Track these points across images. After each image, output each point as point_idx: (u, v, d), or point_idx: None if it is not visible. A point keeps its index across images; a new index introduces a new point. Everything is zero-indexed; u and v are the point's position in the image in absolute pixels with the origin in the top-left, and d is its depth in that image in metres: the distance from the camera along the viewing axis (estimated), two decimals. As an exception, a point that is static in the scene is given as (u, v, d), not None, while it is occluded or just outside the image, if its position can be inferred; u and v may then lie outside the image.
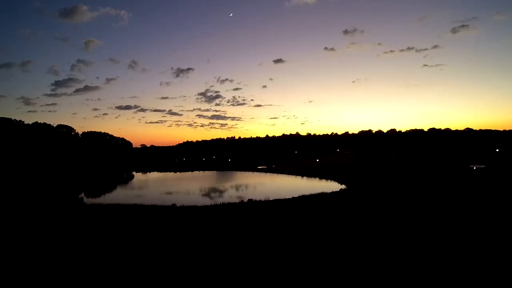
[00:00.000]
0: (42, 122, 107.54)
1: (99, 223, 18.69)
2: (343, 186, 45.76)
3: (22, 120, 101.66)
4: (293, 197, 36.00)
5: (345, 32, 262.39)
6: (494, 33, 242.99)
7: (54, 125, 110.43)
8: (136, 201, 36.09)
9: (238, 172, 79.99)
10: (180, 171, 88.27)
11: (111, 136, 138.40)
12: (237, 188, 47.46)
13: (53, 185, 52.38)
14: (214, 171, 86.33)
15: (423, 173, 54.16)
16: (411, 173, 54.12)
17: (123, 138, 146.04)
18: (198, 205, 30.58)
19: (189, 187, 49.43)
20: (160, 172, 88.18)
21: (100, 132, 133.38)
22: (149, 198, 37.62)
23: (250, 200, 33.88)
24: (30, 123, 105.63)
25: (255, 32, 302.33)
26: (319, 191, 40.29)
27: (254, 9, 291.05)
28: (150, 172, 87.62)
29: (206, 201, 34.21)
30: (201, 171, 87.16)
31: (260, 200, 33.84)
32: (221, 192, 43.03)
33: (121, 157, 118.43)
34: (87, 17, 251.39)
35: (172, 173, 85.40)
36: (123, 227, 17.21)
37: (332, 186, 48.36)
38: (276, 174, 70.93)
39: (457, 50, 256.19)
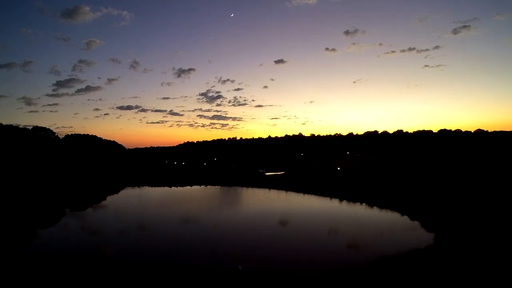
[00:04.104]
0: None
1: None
2: (428, 232, 29.54)
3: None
4: (368, 264, 20.85)
5: (346, 32, 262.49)
6: (494, 33, 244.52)
7: (30, 127, 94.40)
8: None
9: (249, 190, 63.59)
10: (177, 185, 72.20)
11: (100, 139, 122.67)
12: (255, 233, 31.38)
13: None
14: (218, 187, 69.81)
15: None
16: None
17: (114, 141, 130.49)
18: None
19: (181, 228, 33.47)
20: (153, 186, 72.13)
21: (87, 134, 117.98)
22: (110, 257, 21.56)
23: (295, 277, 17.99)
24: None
25: (256, 32, 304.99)
26: (390, 237, 28.07)
27: (255, 10, 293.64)
28: (140, 187, 71.63)
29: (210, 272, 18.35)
30: (202, 186, 70.75)
31: (312, 274, 18.38)
32: (232, 246, 26.73)
33: (109, 164, 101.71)
34: (89, 17, 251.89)
35: (167, 188, 69.48)
36: None
37: (401, 224, 32.66)
38: (301, 193, 54.64)
39: (458, 51, 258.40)
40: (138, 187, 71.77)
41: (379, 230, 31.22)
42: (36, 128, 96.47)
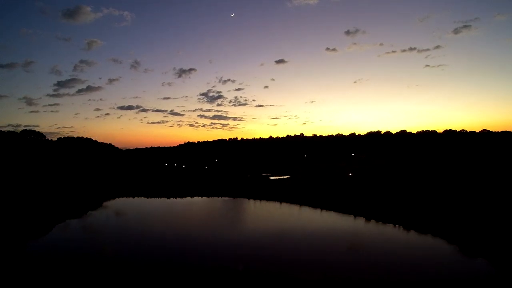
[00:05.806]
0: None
1: None
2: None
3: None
4: None
5: (347, 32, 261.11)
6: (495, 33, 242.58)
7: (18, 131, 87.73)
8: None
9: (257, 204, 56.53)
10: (176, 196, 65.30)
11: (96, 141, 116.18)
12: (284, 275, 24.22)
13: None
14: (221, 199, 62.76)
15: None
16: None
17: (110, 144, 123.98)
18: None
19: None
20: (149, 197, 65.25)
21: (82, 137, 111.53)
22: None
23: None
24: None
25: (257, 32, 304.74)
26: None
27: (256, 10, 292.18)
28: (134, 197, 64.81)
29: None
30: (204, 198, 63.77)
31: None
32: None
33: (103, 170, 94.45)
34: (90, 17, 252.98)
35: (164, 200, 62.66)
36: None
37: (458, 259, 26.27)
38: (319, 209, 47.71)
39: (459, 51, 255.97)
40: (132, 197, 64.77)
41: (440, 270, 24.66)
42: (24, 131, 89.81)
